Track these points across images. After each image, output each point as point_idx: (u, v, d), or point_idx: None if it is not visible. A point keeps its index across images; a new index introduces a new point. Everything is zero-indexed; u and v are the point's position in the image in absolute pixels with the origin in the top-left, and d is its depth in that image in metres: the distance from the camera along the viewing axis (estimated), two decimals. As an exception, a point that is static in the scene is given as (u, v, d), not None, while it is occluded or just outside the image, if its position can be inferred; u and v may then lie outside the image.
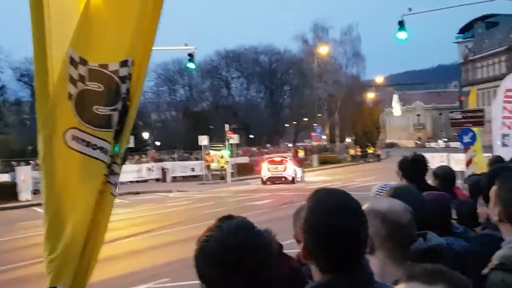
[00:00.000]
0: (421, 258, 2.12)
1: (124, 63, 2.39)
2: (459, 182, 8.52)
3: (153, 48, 2.59)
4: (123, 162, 2.51)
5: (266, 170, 35.78)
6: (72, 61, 2.34)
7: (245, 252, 1.55)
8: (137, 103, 2.51)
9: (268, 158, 39.00)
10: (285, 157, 38.11)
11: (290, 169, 35.75)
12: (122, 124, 2.43)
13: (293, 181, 35.03)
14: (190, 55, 28.60)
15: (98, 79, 2.37)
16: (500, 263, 2.34)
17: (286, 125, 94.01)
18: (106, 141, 2.37)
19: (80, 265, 2.36)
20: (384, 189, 3.93)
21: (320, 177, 40.68)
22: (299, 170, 36.96)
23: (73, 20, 2.37)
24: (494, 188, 2.72)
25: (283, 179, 34.89)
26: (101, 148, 2.36)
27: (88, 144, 2.35)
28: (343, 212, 1.81)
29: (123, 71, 2.39)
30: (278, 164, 35.81)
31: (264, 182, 35.34)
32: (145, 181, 40.55)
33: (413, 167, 4.77)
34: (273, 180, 34.87)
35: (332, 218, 1.80)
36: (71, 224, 2.31)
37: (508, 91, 16.10)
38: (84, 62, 2.36)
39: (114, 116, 2.38)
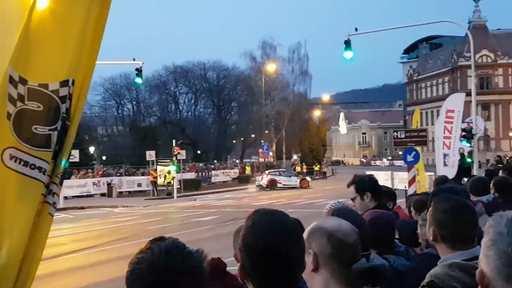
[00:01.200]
0: (363, 277, 2.17)
1: (64, 83, 2.37)
2: (401, 201, 8.71)
3: (95, 67, 2.57)
4: (61, 182, 2.48)
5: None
6: (12, 80, 2.32)
7: (175, 273, 1.55)
8: (77, 123, 2.50)
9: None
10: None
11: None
12: (62, 143, 2.42)
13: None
14: (138, 70, 28.32)
15: (38, 99, 2.35)
16: (430, 281, 2.41)
17: (233, 141, 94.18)
18: (44, 160, 2.35)
19: (17, 285, 2.30)
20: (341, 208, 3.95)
21: (266, 194, 40.77)
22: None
23: (16, 34, 2.34)
24: (430, 209, 2.80)
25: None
26: (39, 168, 2.33)
27: (26, 163, 2.32)
28: (278, 233, 1.83)
29: (64, 91, 2.37)
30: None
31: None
32: (91, 196, 39.81)
33: (375, 186, 4.70)
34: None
35: (267, 239, 1.81)
36: (7, 245, 2.27)
37: (449, 111, 16.70)
38: (24, 81, 2.33)
39: (53, 136, 2.37)
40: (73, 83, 2.39)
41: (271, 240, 1.81)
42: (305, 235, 2.14)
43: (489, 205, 5.64)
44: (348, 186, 4.68)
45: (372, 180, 4.72)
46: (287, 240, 1.83)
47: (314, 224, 2.21)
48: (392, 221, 3.84)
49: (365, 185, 4.59)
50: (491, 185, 6.61)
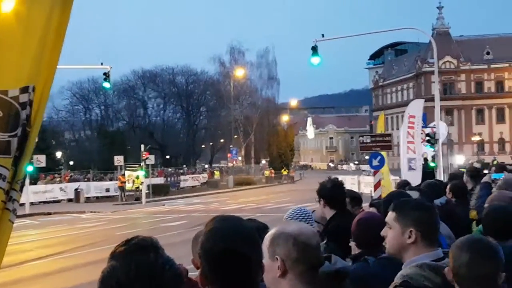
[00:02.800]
0: (329, 281, 2.27)
1: (24, 89, 2.36)
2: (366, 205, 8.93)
3: (58, 71, 2.58)
4: (22, 188, 2.46)
5: None
6: None
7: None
8: (37, 129, 2.48)
9: None
10: None
11: None
12: (22, 150, 2.39)
13: None
14: (106, 74, 28.14)
15: None
16: (403, 281, 2.56)
17: (202, 146, 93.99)
18: (4, 167, 2.32)
19: None
20: (299, 213, 4.08)
21: (234, 199, 40.88)
22: None
23: None
24: (392, 215, 2.83)
25: None
26: None
27: None
28: (236, 238, 1.88)
29: (24, 98, 2.35)
30: None
31: None
32: (58, 201, 39.31)
33: (333, 193, 4.68)
34: None
35: (225, 243, 1.87)
36: None
37: (411, 117, 17.12)
38: None
39: (13, 142, 2.34)
40: (33, 90, 2.37)
41: (229, 244, 1.87)
42: (267, 241, 2.17)
43: (442, 208, 5.91)
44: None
45: (336, 186, 4.71)
46: (245, 244, 1.88)
47: (276, 230, 2.21)
48: (378, 222, 3.95)
49: (326, 190, 4.65)
50: (447, 189, 6.91)
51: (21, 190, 2.44)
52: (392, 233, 2.77)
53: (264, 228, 3.34)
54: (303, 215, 4.04)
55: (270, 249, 2.15)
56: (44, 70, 2.43)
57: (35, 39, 2.38)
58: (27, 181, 31.45)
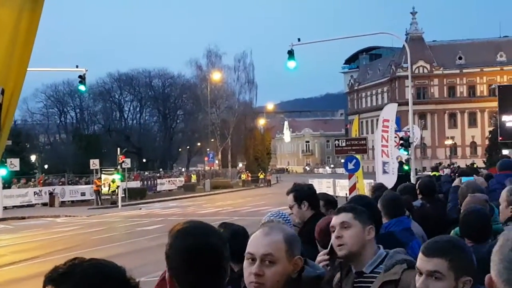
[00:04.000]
0: (312, 285, 2.35)
1: None
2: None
3: (25, 76, 2.55)
4: None
5: None
6: None
7: None
8: (7, 132, 2.47)
9: None
10: None
11: None
12: None
13: None
14: (81, 77, 27.93)
15: None
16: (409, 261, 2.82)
17: (179, 149, 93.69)
18: None
19: None
20: (278, 216, 4.18)
21: (211, 202, 40.91)
22: None
23: None
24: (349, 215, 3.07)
25: None
26: None
27: None
28: (205, 233, 1.96)
29: None
30: None
31: None
32: (32, 205, 38.91)
33: (312, 194, 4.76)
34: None
35: (195, 238, 1.93)
36: None
37: (385, 121, 17.40)
38: None
39: None
40: (2, 92, 2.35)
41: (199, 238, 1.93)
42: (280, 245, 2.20)
43: (418, 211, 6.08)
44: (287, 194, 4.76)
45: (311, 189, 4.81)
46: (215, 238, 1.96)
47: (285, 232, 2.28)
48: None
49: (303, 194, 4.67)
50: (417, 190, 7.11)
51: None
52: (352, 231, 2.96)
53: (244, 232, 3.46)
54: (282, 218, 4.17)
55: (288, 252, 2.20)
56: (13, 73, 2.40)
57: (3, 42, 2.36)
58: (0, 185, 31.12)
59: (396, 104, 20.74)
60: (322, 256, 3.12)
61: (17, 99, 2.50)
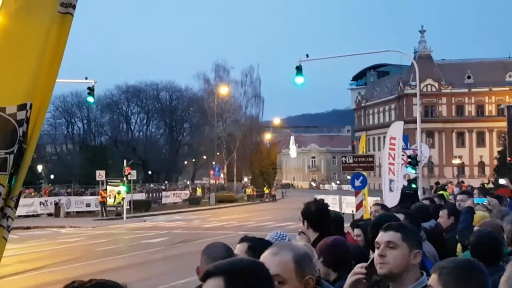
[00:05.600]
0: None
1: (22, 107, 2.35)
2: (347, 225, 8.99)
3: (53, 91, 2.56)
4: (16, 205, 2.45)
5: None
6: None
7: None
8: (33, 146, 2.48)
9: None
10: None
11: None
12: (18, 166, 2.39)
13: None
14: (90, 88, 28.09)
15: None
16: None
17: (185, 162, 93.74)
18: (0, 184, 2.32)
19: None
20: (280, 238, 4.08)
21: (216, 216, 40.80)
22: None
23: None
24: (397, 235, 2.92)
25: None
26: None
27: None
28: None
29: (21, 115, 2.35)
30: None
31: None
32: (38, 215, 38.89)
33: (318, 215, 4.59)
34: None
35: None
36: None
37: (392, 138, 17.31)
38: None
39: (9, 159, 2.33)
40: (30, 107, 2.37)
41: None
42: (290, 265, 2.17)
43: (432, 231, 6.02)
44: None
45: (319, 210, 4.63)
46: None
47: (298, 251, 2.26)
48: (345, 245, 4.04)
49: (310, 214, 4.57)
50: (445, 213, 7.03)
51: (15, 207, 2.44)
52: (398, 253, 2.83)
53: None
54: (282, 239, 4.08)
55: (298, 271, 2.17)
56: (41, 88, 2.43)
57: (33, 56, 2.38)
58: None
59: (402, 122, 20.65)
60: (359, 268, 2.96)
61: (44, 115, 2.51)
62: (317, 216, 4.57)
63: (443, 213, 7.27)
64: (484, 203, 7.55)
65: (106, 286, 1.51)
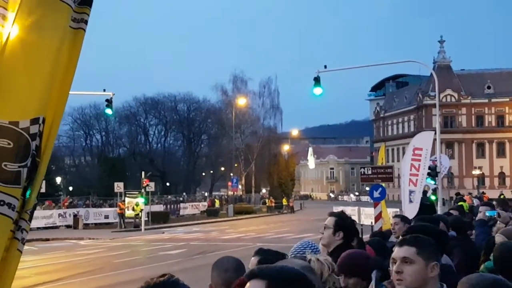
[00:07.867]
0: None
1: (35, 121, 2.35)
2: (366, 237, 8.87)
3: (65, 106, 2.56)
4: (31, 218, 2.45)
5: None
6: None
7: None
8: (47, 160, 2.47)
9: None
10: None
11: None
12: (31, 180, 2.38)
13: None
14: (108, 100, 28.23)
15: (8, 136, 2.31)
16: None
17: (203, 173, 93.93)
18: (14, 197, 2.31)
19: None
20: (307, 247, 3.99)
21: (234, 228, 40.69)
22: None
23: None
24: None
25: None
26: (8, 204, 2.30)
27: None
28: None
29: (34, 129, 2.35)
30: None
31: None
32: (56, 227, 39.12)
33: (352, 226, 4.68)
34: None
35: None
36: None
37: (416, 149, 17.07)
38: None
39: (23, 172, 2.33)
40: (43, 121, 2.37)
41: None
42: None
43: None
44: (329, 215, 4.66)
45: (352, 224, 4.70)
46: None
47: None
48: (366, 256, 4.00)
49: (343, 223, 4.57)
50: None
51: (30, 220, 2.44)
52: (414, 268, 2.81)
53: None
54: (311, 249, 4.00)
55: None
56: (54, 102, 2.43)
57: (45, 71, 2.38)
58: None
59: (433, 132, 20.21)
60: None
61: (57, 128, 2.51)
62: (351, 230, 4.59)
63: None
64: (494, 216, 7.51)
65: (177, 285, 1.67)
